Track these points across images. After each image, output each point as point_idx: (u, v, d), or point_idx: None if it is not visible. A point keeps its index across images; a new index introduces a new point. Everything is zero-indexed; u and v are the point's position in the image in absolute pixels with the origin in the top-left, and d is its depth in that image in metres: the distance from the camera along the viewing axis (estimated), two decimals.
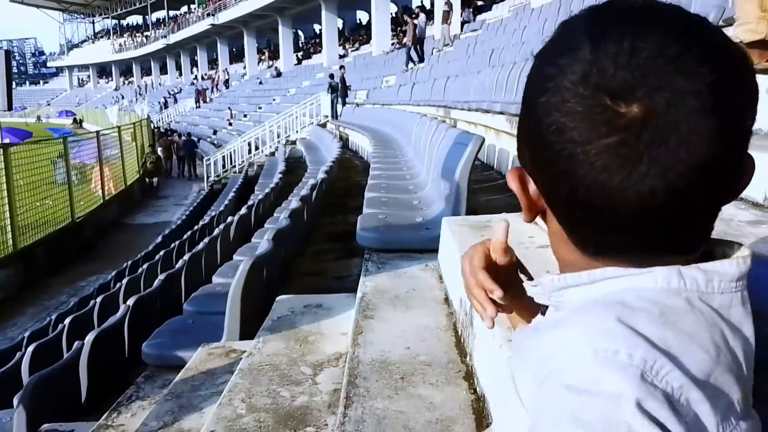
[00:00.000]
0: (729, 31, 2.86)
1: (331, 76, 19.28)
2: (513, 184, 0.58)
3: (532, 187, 0.57)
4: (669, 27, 0.47)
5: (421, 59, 18.16)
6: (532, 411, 0.50)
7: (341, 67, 20.50)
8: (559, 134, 0.49)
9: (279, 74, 36.62)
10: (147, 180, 19.31)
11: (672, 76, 0.45)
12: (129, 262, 9.43)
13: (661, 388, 0.44)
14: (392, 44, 26.99)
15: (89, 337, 3.75)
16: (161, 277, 5.06)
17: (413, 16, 19.02)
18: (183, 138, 25.26)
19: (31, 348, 4.49)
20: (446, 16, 18.85)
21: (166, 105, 43.67)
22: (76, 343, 3.85)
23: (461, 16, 22.02)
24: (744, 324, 0.51)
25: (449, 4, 18.82)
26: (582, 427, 0.42)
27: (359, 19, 44.19)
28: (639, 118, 0.45)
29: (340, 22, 37.49)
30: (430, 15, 24.83)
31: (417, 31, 18.11)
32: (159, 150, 24.31)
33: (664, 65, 0.45)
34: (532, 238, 2.50)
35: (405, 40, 19.16)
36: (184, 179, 23.10)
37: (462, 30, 20.72)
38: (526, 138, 0.54)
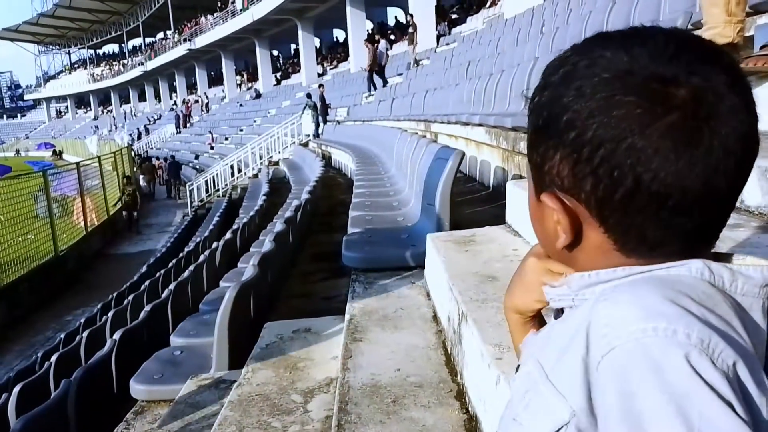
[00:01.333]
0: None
1: (308, 95, 19.27)
2: (554, 204, 0.56)
3: (570, 204, 0.56)
4: (668, 33, 0.53)
5: (376, 85, 18.16)
6: (578, 392, 0.50)
7: (320, 85, 20.53)
8: (612, 129, 0.50)
9: (259, 95, 36.61)
10: (125, 214, 18.58)
11: (697, 64, 0.50)
12: (114, 294, 9.31)
13: (719, 366, 0.44)
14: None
15: (76, 375, 3.68)
16: (147, 308, 4.98)
17: (374, 42, 18.91)
18: (168, 161, 25.16)
19: (17, 389, 4.39)
20: (411, 38, 18.85)
21: (139, 136, 43.53)
22: (63, 381, 3.77)
23: (436, 29, 22.21)
24: (761, 327, 0.52)
25: (414, 25, 18.81)
26: (666, 405, 0.43)
27: (336, 37, 44.40)
28: (690, 98, 0.49)
29: (317, 41, 37.64)
30: (405, 30, 24.97)
31: (378, 56, 18.12)
32: (141, 177, 24.11)
33: (689, 56, 0.51)
34: (516, 251, 2.50)
35: (365, 66, 19.07)
36: (171, 201, 22.89)
37: (438, 43, 20.88)
38: (562, 154, 0.54)
